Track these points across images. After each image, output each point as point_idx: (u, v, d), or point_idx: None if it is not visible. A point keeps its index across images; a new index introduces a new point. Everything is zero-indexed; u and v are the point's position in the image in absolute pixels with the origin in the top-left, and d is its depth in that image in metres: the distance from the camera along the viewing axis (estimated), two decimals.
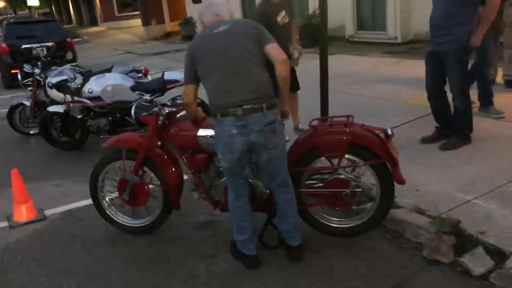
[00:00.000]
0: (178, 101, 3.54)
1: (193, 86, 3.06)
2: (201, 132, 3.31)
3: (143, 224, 3.80)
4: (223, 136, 2.89)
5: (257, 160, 3.03)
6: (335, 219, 3.41)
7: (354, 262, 3.18)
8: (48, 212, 4.41)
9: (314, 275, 3.10)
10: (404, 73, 7.60)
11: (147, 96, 5.73)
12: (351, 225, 3.36)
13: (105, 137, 5.85)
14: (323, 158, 3.22)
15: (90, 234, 3.92)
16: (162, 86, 5.74)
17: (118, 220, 3.85)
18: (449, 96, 4.51)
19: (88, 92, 5.70)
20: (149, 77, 6.65)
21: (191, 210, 3.95)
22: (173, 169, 3.57)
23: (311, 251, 3.33)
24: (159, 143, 3.55)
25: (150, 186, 3.68)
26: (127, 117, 5.83)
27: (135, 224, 3.83)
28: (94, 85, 5.73)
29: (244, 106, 2.83)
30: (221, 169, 3.29)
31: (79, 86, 5.74)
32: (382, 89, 6.81)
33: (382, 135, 3.17)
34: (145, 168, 3.63)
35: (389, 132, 3.14)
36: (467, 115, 4.40)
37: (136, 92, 5.74)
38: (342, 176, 3.20)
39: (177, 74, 5.88)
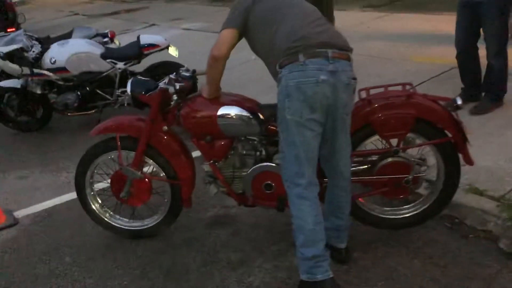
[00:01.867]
0: (185, 74, 2.78)
1: (236, 32, 2.38)
2: (224, 110, 2.61)
3: (148, 226, 3.09)
4: (305, 87, 2.19)
5: (327, 129, 2.32)
6: (388, 209, 2.85)
7: (418, 262, 2.64)
8: (19, 214, 3.60)
9: (374, 280, 2.54)
10: (395, 28, 7.02)
11: (120, 65, 4.94)
12: (408, 214, 2.81)
13: (73, 114, 5.02)
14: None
15: (80, 242, 3.17)
16: (138, 52, 4.93)
17: (115, 224, 3.12)
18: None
19: (50, 62, 4.77)
20: (117, 42, 5.74)
21: (196, 203, 3.26)
22: (184, 158, 2.87)
23: (360, 249, 2.76)
24: (165, 127, 2.81)
25: (154, 180, 2.96)
26: (98, 91, 5.00)
27: (137, 226, 3.12)
28: (57, 54, 4.79)
29: (333, 49, 2.22)
30: (258, 153, 2.70)
31: (38, 55, 4.79)
32: (378, 46, 6.21)
33: (449, 106, 2.59)
34: (146, 159, 2.90)
35: (459, 102, 2.57)
36: (502, 75, 3.89)
37: (108, 61, 4.92)
38: (402, 159, 2.61)
39: (154, 38, 5.07)
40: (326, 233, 2.41)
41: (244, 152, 2.75)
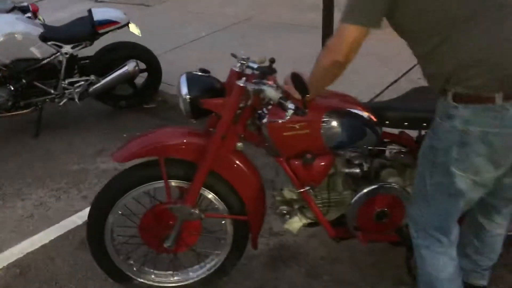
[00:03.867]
0: (260, 66, 1.88)
1: (367, 31, 1.52)
2: (331, 115, 1.83)
3: (195, 279, 2.22)
4: (494, 138, 1.47)
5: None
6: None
7: None
8: None
9: None
10: None
11: (67, 48, 3.80)
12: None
13: (4, 116, 3.77)
14: None
15: None
16: (90, 30, 3.81)
17: (150, 282, 2.20)
18: None
19: None
20: (41, 18, 4.45)
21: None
22: (256, 187, 2.04)
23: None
24: (240, 145, 1.95)
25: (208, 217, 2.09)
26: (37, 83, 3.79)
27: (180, 281, 2.22)
28: None
29: None
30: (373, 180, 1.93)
31: None
32: None
33: None
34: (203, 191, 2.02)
35: None
36: None
37: (49, 43, 3.74)
38: None
39: (111, 12, 3.97)
40: (464, 270, 1.88)
41: (347, 170, 2.01)
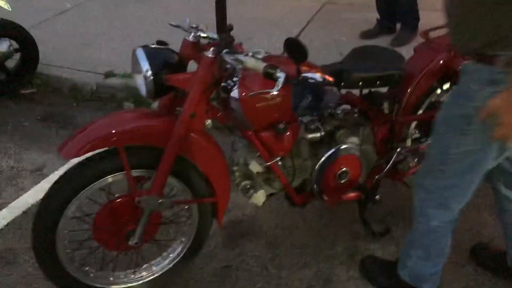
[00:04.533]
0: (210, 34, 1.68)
1: None
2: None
3: (160, 272, 2.05)
4: None
5: None
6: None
7: None
8: None
9: None
10: None
11: None
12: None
13: None
14: None
15: None
16: None
17: (112, 286, 1.96)
18: None
19: None
20: None
21: None
22: (223, 166, 1.92)
23: None
24: (209, 122, 1.80)
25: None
26: None
27: (143, 277, 2.02)
28: None
29: None
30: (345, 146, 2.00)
31: None
32: None
33: None
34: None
35: None
36: (414, 3, 3.90)
37: None
38: None
39: None
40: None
41: (309, 136, 2.00)
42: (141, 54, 1.68)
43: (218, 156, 1.89)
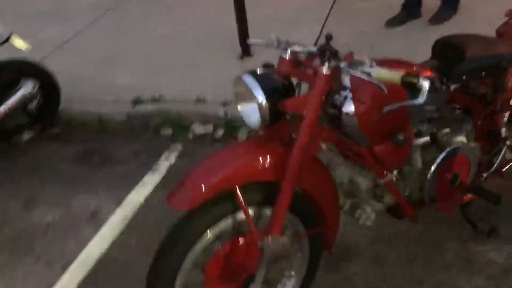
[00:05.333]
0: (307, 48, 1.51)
1: None
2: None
3: None
4: None
5: None
6: None
7: None
8: None
9: None
10: None
11: None
12: None
13: None
14: None
15: None
16: None
17: None
18: None
19: None
20: None
21: None
22: (334, 193, 1.75)
23: None
24: (324, 146, 1.62)
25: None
26: None
27: None
28: None
29: None
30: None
31: None
32: None
33: None
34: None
35: None
36: None
37: None
38: None
39: None
40: None
41: (421, 141, 1.83)
42: (251, 81, 1.48)
43: (330, 181, 1.71)
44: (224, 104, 3.38)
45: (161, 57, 4.10)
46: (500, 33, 2.11)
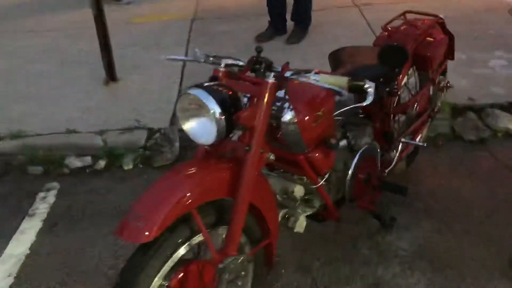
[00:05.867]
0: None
1: None
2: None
3: None
4: None
5: None
6: None
7: None
8: None
9: None
10: None
11: None
12: None
13: None
14: None
15: None
16: None
17: None
18: None
19: None
20: None
21: None
22: (274, 202, 1.74)
23: None
24: (272, 156, 1.58)
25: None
26: None
27: None
28: None
29: None
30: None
31: None
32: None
33: None
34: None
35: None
36: (309, 5, 4.14)
37: None
38: None
39: None
40: None
41: (342, 144, 1.93)
42: (203, 94, 1.39)
43: (272, 192, 1.70)
44: (101, 132, 3.13)
45: (13, 88, 3.65)
46: (377, 44, 2.35)
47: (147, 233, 1.31)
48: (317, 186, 1.80)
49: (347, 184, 1.97)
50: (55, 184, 2.88)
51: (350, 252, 2.25)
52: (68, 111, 3.39)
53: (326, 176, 1.82)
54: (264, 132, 1.49)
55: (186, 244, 1.46)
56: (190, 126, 1.47)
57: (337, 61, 2.17)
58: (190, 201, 1.39)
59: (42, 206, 2.70)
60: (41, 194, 2.79)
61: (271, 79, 1.47)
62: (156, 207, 1.35)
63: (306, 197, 1.90)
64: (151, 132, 3.13)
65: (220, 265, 1.48)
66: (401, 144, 2.24)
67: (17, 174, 2.98)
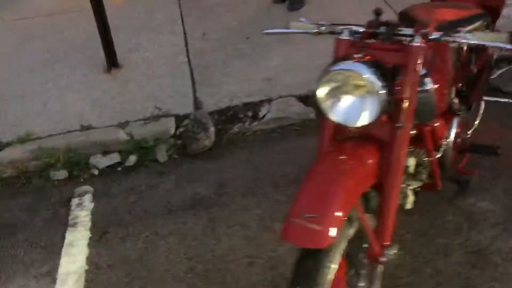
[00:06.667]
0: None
1: None
2: None
3: None
4: None
5: None
6: None
7: None
8: None
9: None
10: None
11: None
12: None
13: None
14: None
15: None
16: None
17: None
18: None
19: None
20: None
21: None
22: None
23: None
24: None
25: None
26: None
27: None
28: None
29: None
30: None
31: None
32: None
33: None
34: None
35: None
36: None
37: None
38: None
39: None
40: None
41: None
42: (362, 68, 1.19)
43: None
44: (121, 125, 2.84)
45: (5, 86, 3.26)
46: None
47: (329, 235, 1.12)
48: (433, 158, 1.66)
49: (448, 152, 1.84)
50: (87, 188, 2.59)
51: (437, 221, 2.15)
52: (74, 105, 3.06)
53: (443, 147, 1.68)
54: (414, 105, 1.32)
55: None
56: (337, 106, 1.27)
57: (412, 19, 2.00)
58: (354, 194, 1.22)
59: (82, 213, 2.42)
60: (75, 201, 2.50)
61: (417, 42, 1.29)
62: (326, 206, 1.16)
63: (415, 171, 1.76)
64: (178, 119, 2.87)
65: (382, 258, 1.32)
66: (483, 102, 2.13)
67: (39, 181, 2.65)
